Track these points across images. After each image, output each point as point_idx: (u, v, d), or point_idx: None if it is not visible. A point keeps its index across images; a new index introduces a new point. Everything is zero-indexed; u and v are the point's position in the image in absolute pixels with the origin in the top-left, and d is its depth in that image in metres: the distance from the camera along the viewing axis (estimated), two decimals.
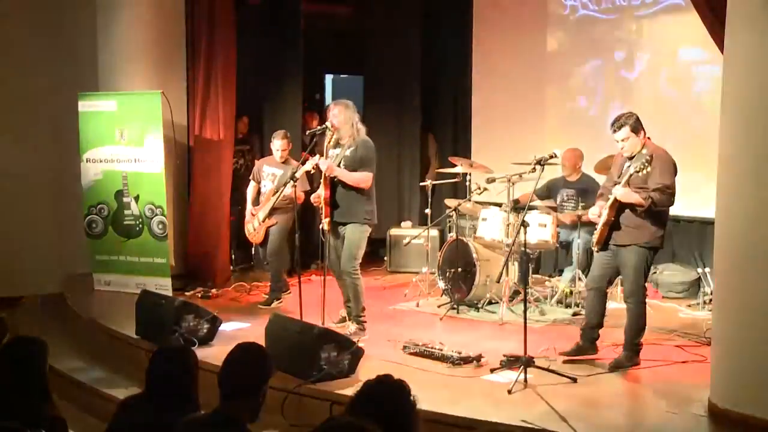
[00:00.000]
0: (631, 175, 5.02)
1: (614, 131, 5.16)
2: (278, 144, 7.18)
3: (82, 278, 7.89)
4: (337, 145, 6.04)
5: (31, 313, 7.88)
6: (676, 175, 5.11)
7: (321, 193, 5.98)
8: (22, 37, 8.35)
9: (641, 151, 5.08)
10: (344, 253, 6.00)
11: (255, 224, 7.17)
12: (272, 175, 7.21)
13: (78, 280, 7.96)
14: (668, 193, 5.04)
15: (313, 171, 6.41)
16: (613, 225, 5.17)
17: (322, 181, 5.98)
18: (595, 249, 5.38)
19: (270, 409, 3.68)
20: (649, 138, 5.21)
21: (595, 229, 5.31)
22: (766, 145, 4.11)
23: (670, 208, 5.25)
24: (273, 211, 7.08)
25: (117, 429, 3.35)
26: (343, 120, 5.96)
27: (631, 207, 5.09)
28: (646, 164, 4.93)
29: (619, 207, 5.13)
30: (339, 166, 5.94)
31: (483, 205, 7.44)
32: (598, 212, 5.28)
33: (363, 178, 5.93)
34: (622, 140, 5.14)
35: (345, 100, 6.13)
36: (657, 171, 5.01)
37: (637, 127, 5.11)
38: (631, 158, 5.13)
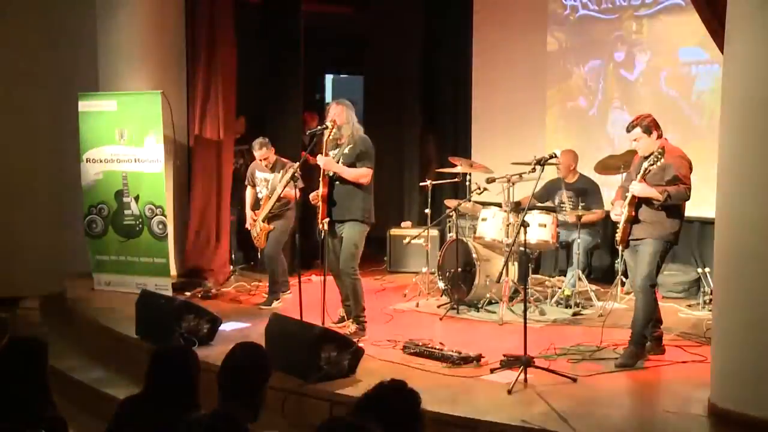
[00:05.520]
0: (646, 170, 5.17)
1: (627, 131, 5.38)
2: (258, 154, 7.25)
3: (82, 278, 7.89)
4: (336, 145, 6.04)
5: (31, 313, 7.88)
6: (691, 171, 5.25)
7: (319, 192, 5.98)
8: (22, 38, 8.35)
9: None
10: (343, 254, 5.99)
11: (257, 230, 7.20)
12: (265, 181, 7.26)
13: (78, 280, 7.96)
14: (684, 186, 5.16)
15: (297, 177, 6.35)
16: (633, 221, 5.30)
17: (320, 179, 5.98)
18: (619, 247, 5.49)
19: (270, 409, 3.68)
20: (666, 140, 5.35)
21: (617, 228, 5.40)
22: (766, 145, 4.11)
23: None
24: (271, 217, 7.12)
25: (117, 429, 3.35)
26: (343, 119, 5.96)
27: (649, 201, 5.22)
28: (659, 156, 5.09)
29: (637, 203, 5.26)
30: (338, 163, 5.94)
31: (483, 205, 7.44)
32: (619, 212, 5.40)
33: (362, 173, 5.92)
34: (634, 140, 5.35)
35: (345, 100, 6.13)
36: (672, 167, 5.16)
37: (649, 129, 5.27)
38: (647, 158, 5.25)
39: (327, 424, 2.49)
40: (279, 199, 7.01)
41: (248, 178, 7.43)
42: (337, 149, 6.02)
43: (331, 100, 10.26)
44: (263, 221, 7.16)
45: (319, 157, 6.00)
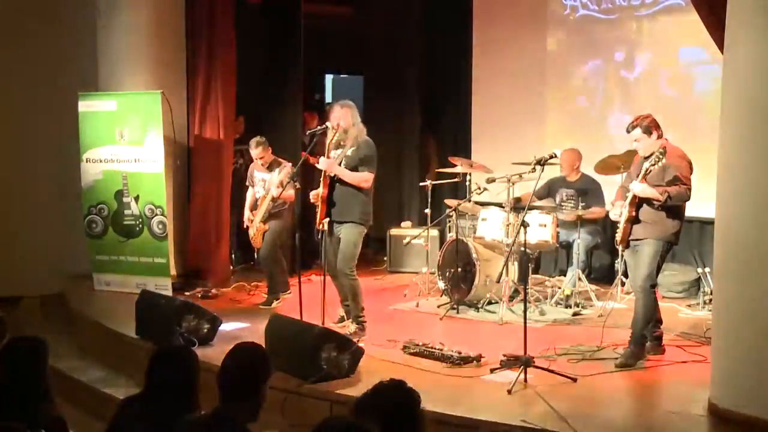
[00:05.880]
0: (647, 170, 5.18)
1: (628, 132, 5.39)
2: (254, 153, 7.27)
3: (82, 278, 7.89)
4: (338, 146, 6.04)
5: (31, 313, 7.88)
6: (692, 172, 5.25)
7: (319, 192, 5.98)
8: (22, 38, 8.34)
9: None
10: (340, 255, 5.99)
11: (254, 230, 7.21)
12: (262, 181, 7.30)
13: (78, 280, 7.96)
14: (684, 187, 5.18)
15: (296, 177, 6.38)
16: (634, 221, 5.31)
17: (321, 180, 5.98)
18: (619, 247, 5.50)
19: (270, 409, 3.67)
20: (667, 140, 5.35)
21: (617, 228, 5.41)
22: (766, 145, 4.11)
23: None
24: (267, 217, 7.13)
25: (117, 429, 3.35)
26: (349, 122, 5.96)
27: (649, 202, 5.23)
28: (660, 156, 5.09)
29: (638, 203, 5.27)
30: (340, 165, 5.94)
31: (483, 205, 7.44)
32: (619, 212, 5.41)
33: (363, 178, 5.92)
34: (635, 141, 5.36)
35: (348, 101, 6.12)
36: (673, 167, 5.17)
37: (649, 129, 5.28)
38: (647, 158, 5.26)
39: (326, 424, 2.49)
40: (274, 199, 7.02)
41: (248, 179, 7.46)
42: (340, 150, 6.02)
43: (331, 100, 10.26)
44: (260, 221, 7.17)
45: (321, 159, 6.00)
